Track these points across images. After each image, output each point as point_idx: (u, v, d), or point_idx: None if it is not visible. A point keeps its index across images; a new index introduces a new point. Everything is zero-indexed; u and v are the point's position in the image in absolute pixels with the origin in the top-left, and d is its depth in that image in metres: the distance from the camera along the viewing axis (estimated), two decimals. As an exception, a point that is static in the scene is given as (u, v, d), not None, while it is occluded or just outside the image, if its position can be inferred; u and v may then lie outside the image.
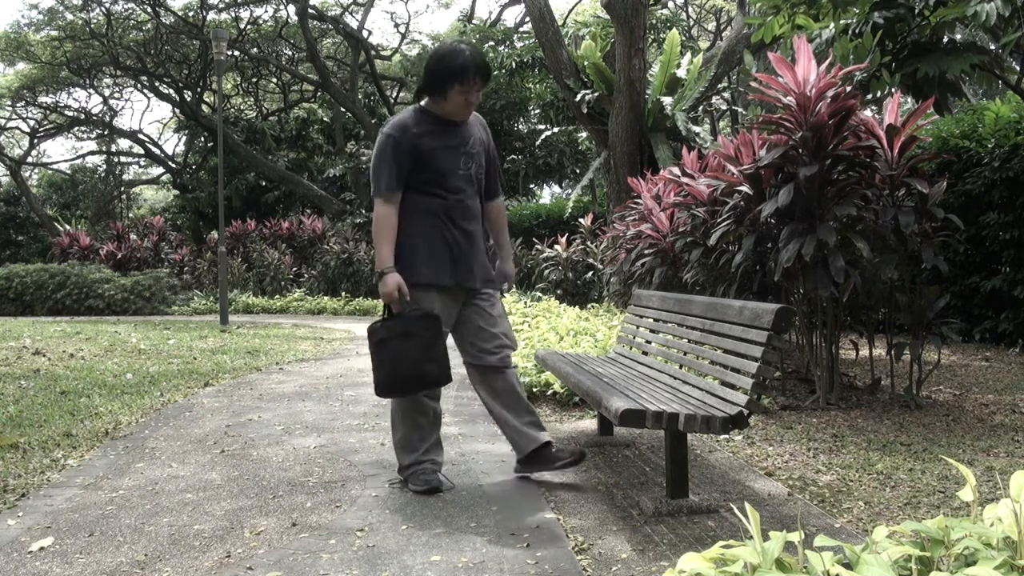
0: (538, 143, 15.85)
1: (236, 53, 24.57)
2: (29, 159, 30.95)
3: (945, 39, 6.83)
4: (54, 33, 23.80)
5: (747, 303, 3.11)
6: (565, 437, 4.27)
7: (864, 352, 6.24)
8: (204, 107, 26.09)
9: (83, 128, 29.37)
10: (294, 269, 18.73)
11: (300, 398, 5.64)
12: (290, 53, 26.68)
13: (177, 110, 26.71)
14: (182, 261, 19.91)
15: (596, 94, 11.62)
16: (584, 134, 15.88)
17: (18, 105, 27.60)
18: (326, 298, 16.10)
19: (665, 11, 18.60)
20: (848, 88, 4.54)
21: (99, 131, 29.55)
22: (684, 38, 16.18)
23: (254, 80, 28.08)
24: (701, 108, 14.77)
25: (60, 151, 50.65)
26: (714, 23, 26.43)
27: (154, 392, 5.91)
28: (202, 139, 26.59)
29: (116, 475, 3.69)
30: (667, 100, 11.46)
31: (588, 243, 12.67)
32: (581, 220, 13.47)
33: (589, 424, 4.56)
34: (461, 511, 3.05)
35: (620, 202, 9.74)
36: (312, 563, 2.56)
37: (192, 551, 2.71)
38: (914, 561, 1.47)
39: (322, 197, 22.23)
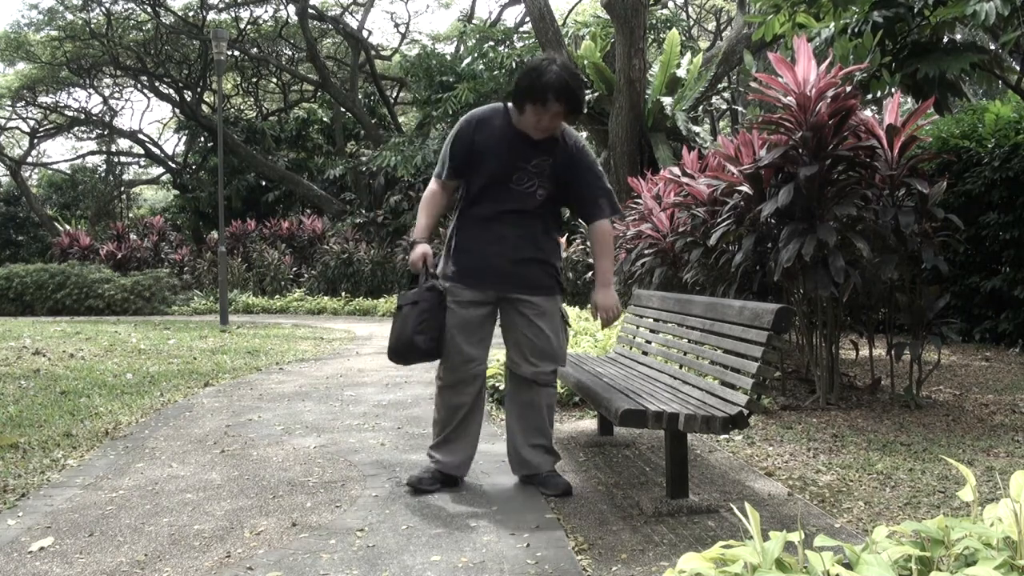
0: (538, 143, 15.82)
1: (236, 53, 24.57)
2: (29, 159, 30.94)
3: (945, 39, 6.84)
4: (54, 33, 23.80)
5: (747, 303, 3.11)
6: (565, 437, 4.27)
7: (864, 352, 6.24)
8: (204, 107, 26.08)
9: (83, 128, 29.37)
10: (294, 269, 18.73)
11: (300, 398, 5.64)
12: (290, 53, 26.68)
13: (177, 110, 26.70)
14: (182, 261, 19.91)
15: (596, 94, 11.62)
16: (584, 134, 15.87)
17: (18, 105, 27.60)
18: (326, 298, 16.10)
19: (665, 11, 18.59)
20: (848, 88, 4.54)
21: (99, 131, 29.55)
22: (684, 38, 16.18)
23: (254, 80, 28.08)
24: (701, 108, 14.78)
25: (60, 151, 50.71)
26: (714, 23, 26.43)
27: (154, 392, 5.91)
28: (202, 139, 26.58)
29: (116, 475, 3.69)
30: (667, 100, 11.47)
31: (588, 243, 12.67)
32: (581, 220, 13.46)
33: (589, 424, 4.56)
34: (461, 511, 3.05)
35: (620, 202, 9.73)
36: (312, 563, 2.56)
37: (192, 551, 2.71)
38: (914, 561, 1.47)
39: (322, 197, 22.23)
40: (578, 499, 3.19)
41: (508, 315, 3.31)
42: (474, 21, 23.43)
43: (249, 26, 24.57)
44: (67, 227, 24.26)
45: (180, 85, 25.03)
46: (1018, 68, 8.16)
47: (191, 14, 23.70)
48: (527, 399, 3.31)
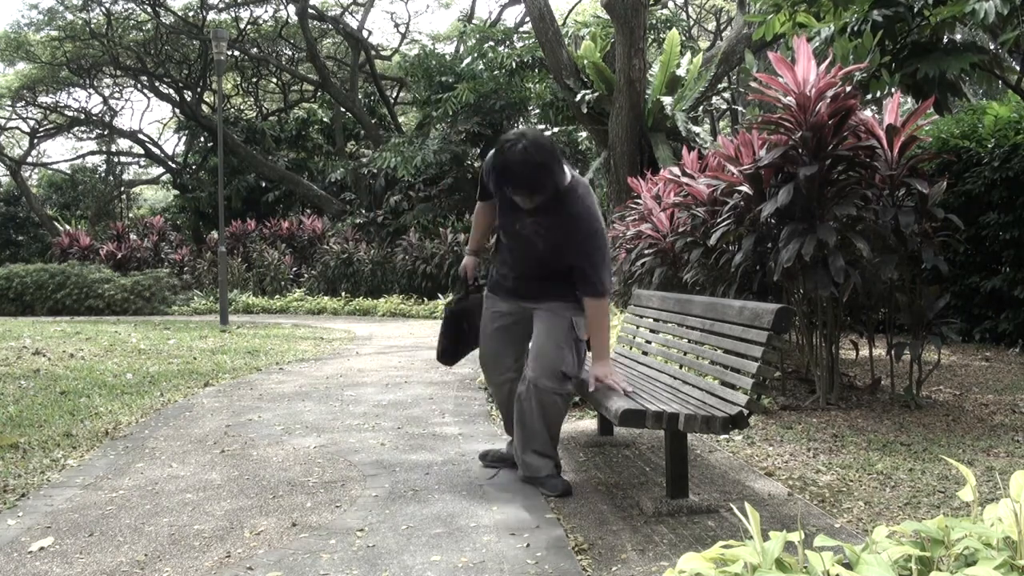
0: (538, 143, 15.81)
1: (236, 53, 24.58)
2: (29, 159, 30.96)
3: (945, 39, 6.84)
4: (54, 33, 23.81)
5: (747, 303, 3.11)
6: (565, 437, 4.27)
7: (864, 352, 6.24)
8: (204, 107, 26.09)
9: (83, 128, 29.38)
10: (294, 269, 18.73)
11: (300, 398, 5.64)
12: (290, 53, 26.70)
13: (177, 110, 26.72)
14: (182, 261, 19.91)
15: (596, 94, 11.62)
16: (584, 134, 15.86)
17: (18, 105, 27.61)
18: (326, 298, 16.10)
19: (665, 11, 18.58)
20: (848, 88, 4.54)
21: (99, 131, 29.56)
22: (684, 38, 16.18)
23: (254, 80, 28.09)
24: (701, 108, 14.78)
25: (60, 151, 50.70)
26: (714, 23, 26.44)
27: (154, 392, 5.91)
28: (202, 139, 26.60)
29: (116, 475, 3.69)
30: (667, 100, 11.47)
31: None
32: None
33: (589, 424, 4.56)
34: (461, 511, 3.05)
35: (620, 202, 9.74)
36: (312, 563, 2.56)
37: (192, 551, 2.71)
38: (914, 561, 1.47)
39: (322, 197, 22.24)
40: (578, 499, 3.19)
41: (533, 325, 3.43)
42: (474, 21, 23.43)
43: (249, 26, 24.58)
44: (67, 227, 24.25)
45: (180, 85, 25.04)
46: (1018, 68, 8.16)
47: (191, 14, 23.71)
48: (526, 405, 3.29)
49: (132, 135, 28.89)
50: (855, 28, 6.65)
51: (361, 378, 6.57)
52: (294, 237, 20.05)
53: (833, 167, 4.56)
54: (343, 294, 16.34)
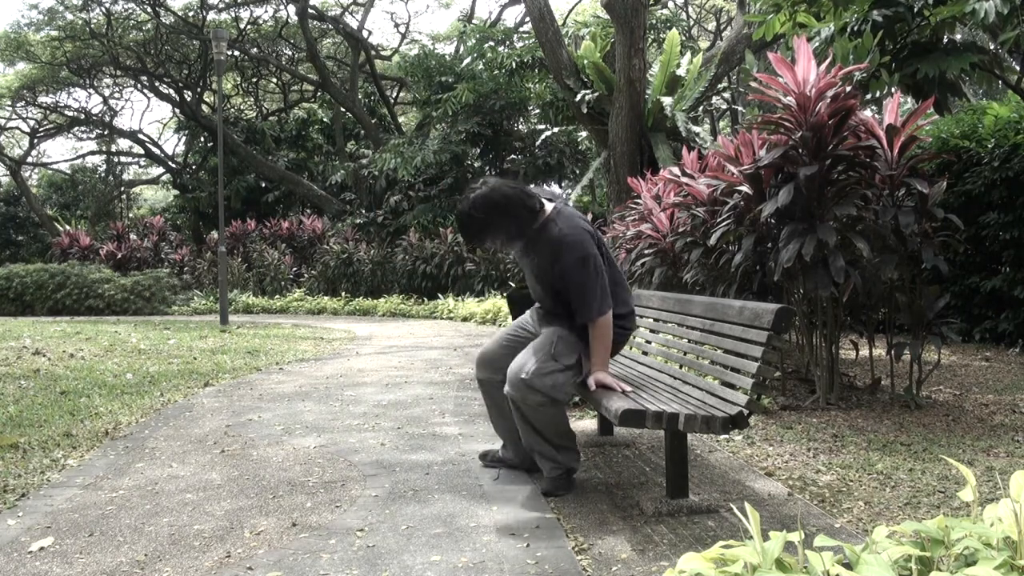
0: (538, 143, 15.85)
1: (236, 53, 24.59)
2: (29, 159, 30.96)
3: (945, 39, 6.84)
4: (54, 33, 23.82)
5: (747, 303, 3.11)
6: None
7: (864, 352, 6.24)
8: (204, 107, 26.10)
9: (83, 128, 29.40)
10: (294, 269, 18.73)
11: (300, 398, 5.64)
12: (290, 53, 26.70)
13: (177, 110, 26.72)
14: (182, 261, 19.92)
15: (596, 94, 11.62)
16: (584, 134, 15.86)
17: (18, 105, 27.62)
18: (326, 298, 16.10)
19: (665, 11, 18.58)
20: (848, 88, 4.54)
21: (99, 131, 29.57)
22: (684, 38, 16.18)
23: (254, 80, 28.10)
24: (701, 108, 14.77)
25: (60, 151, 50.73)
26: (714, 23, 26.44)
27: (154, 392, 5.91)
28: (202, 139, 26.61)
29: (116, 475, 3.69)
30: (667, 100, 11.46)
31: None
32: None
33: (589, 424, 4.56)
34: (461, 511, 3.05)
35: (620, 202, 9.74)
36: (312, 563, 2.56)
37: (192, 551, 2.71)
38: (914, 561, 1.47)
39: (322, 197, 22.24)
40: (578, 499, 3.19)
41: None
42: (474, 21, 23.44)
43: (249, 26, 24.59)
44: (67, 227, 24.26)
45: (180, 85, 25.04)
46: (1018, 68, 8.16)
47: (191, 14, 23.71)
48: (513, 410, 3.32)
49: (132, 135, 28.90)
50: (855, 28, 6.65)
51: (361, 378, 6.57)
52: (294, 237, 20.06)
53: (833, 167, 4.56)
54: (343, 294, 16.35)
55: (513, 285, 13.57)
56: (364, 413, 5.06)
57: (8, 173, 29.40)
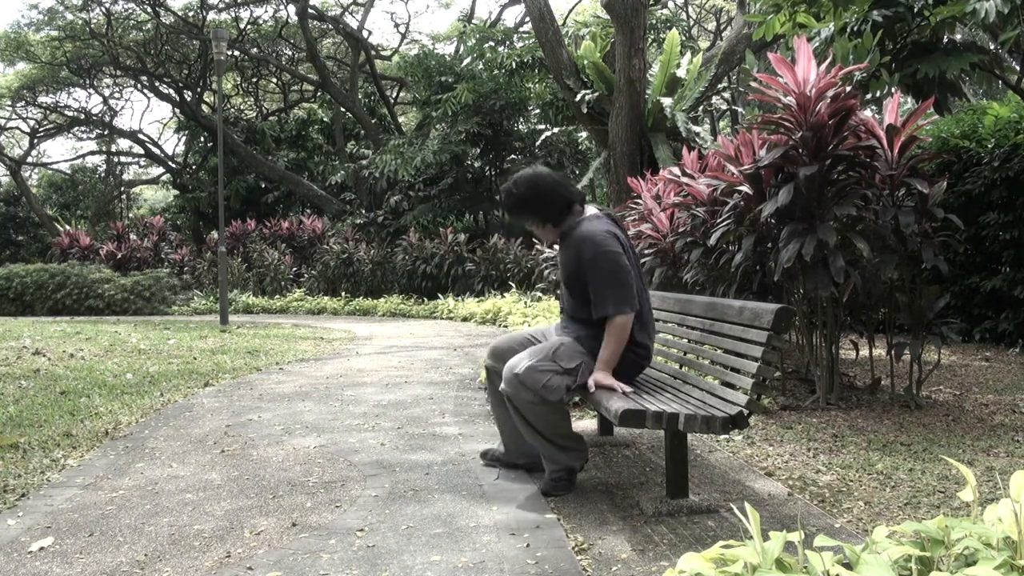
0: (538, 143, 15.85)
1: (236, 53, 24.60)
2: (29, 159, 30.97)
3: (945, 39, 6.84)
4: (54, 33, 23.82)
5: (747, 303, 3.11)
6: (565, 437, 4.27)
7: (864, 352, 6.24)
8: (204, 107, 26.11)
9: (83, 128, 29.40)
10: (294, 269, 18.73)
11: (300, 398, 5.64)
12: (290, 53, 26.71)
13: (177, 110, 26.73)
14: (182, 261, 19.92)
15: (596, 94, 11.62)
16: (584, 134, 15.87)
17: (18, 105, 27.63)
18: (326, 298, 16.10)
19: (665, 11, 18.58)
20: (848, 88, 4.54)
21: (99, 131, 29.58)
22: (684, 38, 16.17)
23: (254, 80, 28.10)
24: (701, 108, 14.77)
25: (60, 151, 50.74)
26: (714, 23, 26.45)
27: (154, 392, 5.91)
28: (202, 139, 26.61)
29: (116, 475, 3.69)
30: (667, 100, 11.47)
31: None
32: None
33: (589, 424, 4.56)
34: (461, 511, 3.05)
35: (620, 202, 9.74)
36: (312, 563, 2.56)
37: (192, 551, 2.71)
38: (914, 561, 1.47)
39: (322, 197, 22.25)
40: (578, 499, 3.19)
41: None
42: (474, 21, 23.43)
43: (249, 26, 24.59)
44: (67, 227, 24.26)
45: (180, 85, 25.05)
46: (1018, 68, 8.16)
47: (191, 14, 23.72)
48: (510, 407, 3.34)
49: (132, 135, 28.90)
50: (855, 28, 6.66)
51: (361, 378, 6.57)
52: (294, 237, 20.05)
53: (833, 167, 4.56)
54: (343, 294, 16.35)
55: (513, 285, 13.58)
56: (364, 413, 5.06)
57: (8, 173, 29.41)
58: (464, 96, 15.14)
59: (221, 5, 23.63)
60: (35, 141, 30.15)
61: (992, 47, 8.91)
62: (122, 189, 33.08)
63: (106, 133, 29.65)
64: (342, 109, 23.97)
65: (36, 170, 33.35)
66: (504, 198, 3.51)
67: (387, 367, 7.19)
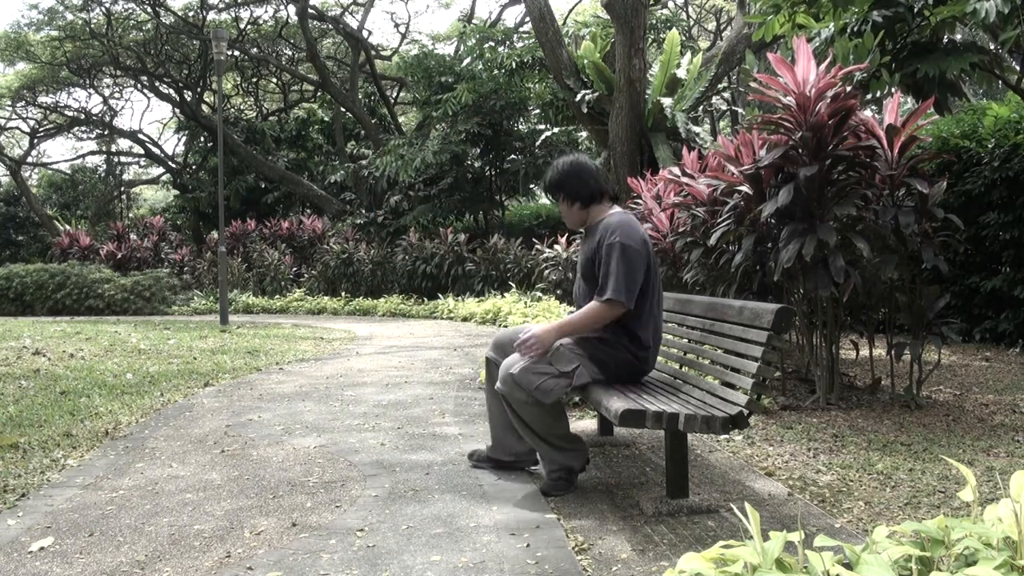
0: (538, 143, 15.84)
1: (236, 53, 24.59)
2: (29, 159, 30.96)
3: (945, 39, 6.84)
4: (54, 33, 23.82)
5: (747, 303, 3.11)
6: (565, 437, 4.27)
7: (864, 352, 6.24)
8: (204, 107, 26.10)
9: (83, 128, 29.40)
10: (294, 269, 18.73)
11: (300, 398, 5.64)
12: (290, 53, 26.70)
13: (177, 110, 26.72)
14: (182, 261, 19.91)
15: (596, 94, 11.62)
16: (584, 134, 15.87)
17: (18, 105, 27.62)
18: (326, 298, 16.10)
19: (665, 11, 18.58)
20: (848, 88, 4.54)
21: (99, 131, 29.57)
22: (684, 38, 16.17)
23: (254, 80, 28.09)
24: (701, 108, 14.77)
25: (60, 151, 50.75)
26: (714, 23, 26.45)
27: (154, 392, 5.91)
28: (202, 139, 26.60)
29: (116, 475, 3.69)
30: (667, 100, 11.47)
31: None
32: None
33: (589, 424, 4.56)
34: (461, 511, 3.05)
35: (620, 203, 9.72)
36: (312, 563, 2.56)
37: (192, 551, 2.71)
38: (914, 561, 1.47)
39: (322, 197, 22.25)
40: (578, 499, 3.19)
41: None
42: (474, 21, 23.43)
43: (249, 26, 24.58)
44: (67, 227, 24.27)
45: (180, 85, 25.04)
46: (1018, 68, 8.16)
47: (191, 14, 23.71)
48: (506, 407, 3.34)
49: (132, 135, 28.89)
50: (855, 28, 6.66)
51: (361, 378, 6.57)
52: (294, 237, 20.05)
53: (833, 167, 4.56)
54: (343, 294, 16.35)
55: (513, 285, 13.58)
56: (364, 413, 5.06)
57: (8, 173, 29.40)
58: (464, 96, 15.13)
59: (221, 5, 23.62)
60: (35, 141, 30.15)
61: (992, 47, 8.91)
62: (122, 189, 33.08)
63: (106, 133, 29.65)
64: (342, 109, 23.97)
65: (36, 170, 33.35)
66: (547, 174, 3.67)
67: (387, 367, 7.19)
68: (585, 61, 11.90)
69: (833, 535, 2.69)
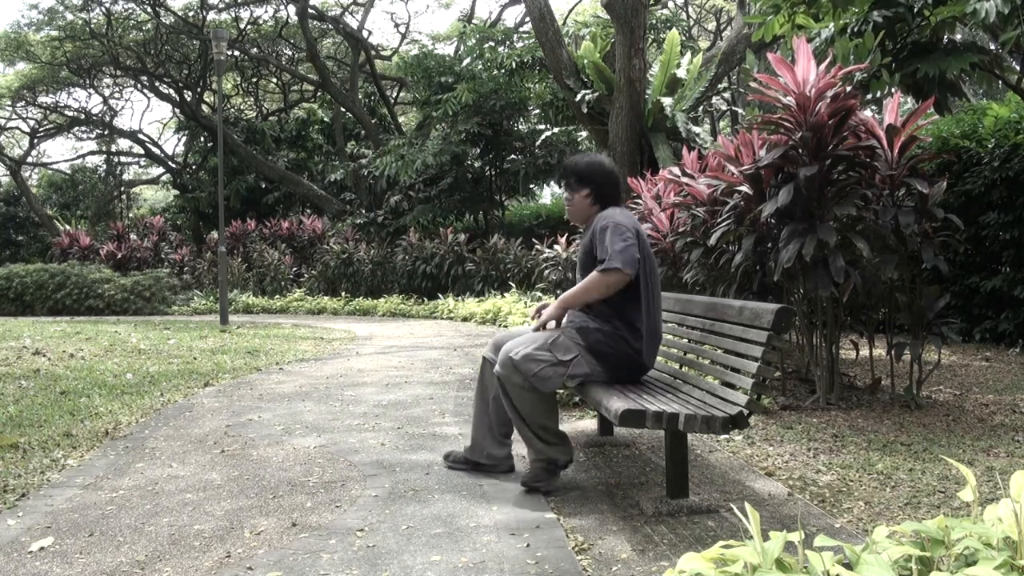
0: (538, 143, 15.85)
1: (236, 53, 24.58)
2: (29, 159, 30.96)
3: (945, 39, 6.84)
4: (54, 33, 23.81)
5: (747, 303, 3.11)
6: (565, 437, 4.27)
7: (864, 352, 6.24)
8: (204, 107, 26.09)
9: (83, 128, 29.39)
10: (294, 269, 18.73)
11: (300, 398, 5.64)
12: (290, 53, 26.69)
13: (177, 110, 26.72)
14: (182, 261, 19.92)
15: (596, 94, 11.62)
16: (584, 134, 15.86)
17: (18, 105, 27.61)
18: (326, 298, 16.10)
19: (665, 11, 18.57)
20: (848, 88, 4.54)
21: (99, 131, 29.56)
22: (684, 38, 16.16)
23: (254, 80, 28.09)
24: (701, 108, 14.77)
25: (60, 151, 50.73)
26: (714, 23, 26.44)
27: (154, 392, 5.91)
28: (202, 139, 26.60)
29: (116, 475, 3.69)
30: (667, 100, 11.47)
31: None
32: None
33: (589, 424, 4.56)
34: (461, 511, 3.05)
35: (620, 203, 9.72)
36: (312, 563, 2.56)
37: (192, 551, 2.71)
38: (914, 561, 1.47)
39: (322, 197, 22.24)
40: (578, 499, 3.19)
41: None
42: (474, 21, 23.42)
43: (249, 26, 24.58)
44: (67, 227, 24.27)
45: (180, 85, 25.04)
46: (1018, 68, 8.15)
47: (191, 14, 23.71)
48: (501, 393, 3.36)
49: (132, 135, 28.88)
50: (855, 29, 6.66)
51: (361, 378, 6.57)
52: (294, 237, 20.05)
53: (833, 167, 4.56)
54: (343, 294, 16.35)
55: (513, 285, 13.58)
56: (364, 413, 5.06)
57: (8, 173, 29.40)
58: (464, 96, 15.13)
59: (221, 5, 23.62)
60: (35, 141, 30.14)
61: (992, 47, 8.91)
62: (122, 189, 33.07)
63: (106, 133, 29.64)
64: (342, 109, 23.96)
65: (36, 170, 33.35)
66: (575, 159, 3.68)
67: (387, 367, 7.19)
68: (585, 61, 11.90)
69: (833, 535, 2.69)
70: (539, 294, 12.17)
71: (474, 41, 16.74)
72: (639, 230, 3.39)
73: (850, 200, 4.44)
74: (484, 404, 3.56)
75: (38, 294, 16.96)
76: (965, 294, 7.38)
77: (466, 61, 16.42)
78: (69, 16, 23.28)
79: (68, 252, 20.71)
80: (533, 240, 14.04)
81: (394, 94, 27.18)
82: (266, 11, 24.53)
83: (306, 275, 18.11)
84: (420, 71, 16.73)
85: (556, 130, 15.16)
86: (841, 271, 4.32)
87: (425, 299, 14.83)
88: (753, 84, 5.01)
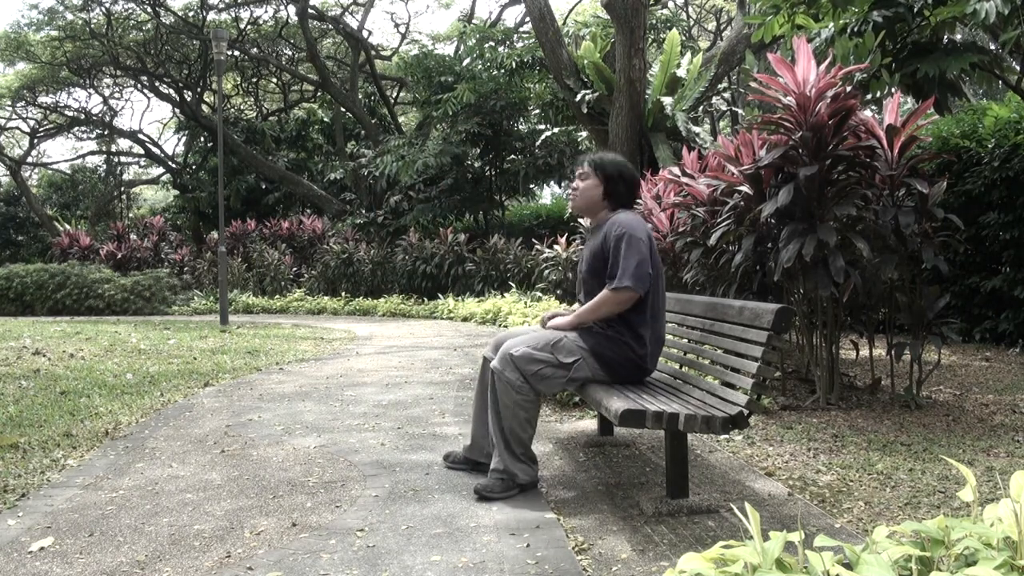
0: (538, 143, 15.84)
1: (236, 53, 24.58)
2: (29, 159, 30.95)
3: (945, 39, 6.84)
4: (54, 33, 23.81)
5: (747, 303, 3.11)
6: (565, 437, 4.27)
7: (864, 352, 6.24)
8: (204, 107, 26.09)
9: (83, 128, 29.38)
10: (294, 269, 18.73)
11: (300, 398, 5.64)
12: (290, 53, 26.69)
13: (177, 110, 26.71)
14: (182, 261, 19.91)
15: (596, 94, 11.62)
16: (584, 134, 15.85)
17: (18, 105, 27.61)
18: (326, 298, 16.10)
19: (665, 11, 18.57)
20: (848, 88, 4.54)
21: (99, 131, 29.56)
22: (684, 38, 16.17)
23: (254, 80, 28.08)
24: (701, 108, 14.77)
25: (60, 151, 50.72)
26: (714, 23, 26.44)
27: (154, 392, 5.91)
28: (202, 139, 26.60)
29: (116, 475, 3.69)
30: (667, 100, 11.47)
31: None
32: (581, 220, 13.46)
33: (589, 424, 4.56)
34: (461, 511, 3.05)
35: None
36: (312, 563, 2.56)
37: (192, 551, 2.71)
38: (914, 561, 1.47)
39: (322, 197, 22.24)
40: (578, 499, 3.19)
41: None
42: (474, 21, 23.41)
43: (249, 26, 24.57)
44: (67, 227, 24.26)
45: (180, 85, 25.04)
46: (1018, 68, 8.15)
47: (191, 14, 23.71)
48: (490, 388, 3.35)
49: (132, 135, 28.88)
50: (855, 29, 6.66)
51: (361, 378, 6.57)
52: (294, 237, 20.05)
53: (833, 167, 4.56)
54: (343, 294, 16.34)
55: (513, 285, 13.58)
56: (364, 413, 5.06)
57: (8, 173, 29.40)
58: (464, 96, 15.13)
59: (221, 5, 23.62)
60: (35, 141, 30.14)
61: (992, 47, 8.91)
62: (122, 189, 33.07)
63: (106, 133, 29.64)
64: (342, 109, 23.96)
65: (36, 170, 33.34)
66: (601, 153, 3.71)
67: (387, 367, 7.19)
68: (585, 61, 11.90)
69: (833, 535, 2.69)
70: (539, 294, 12.16)
71: (474, 41, 16.75)
72: (651, 238, 3.40)
73: (850, 200, 4.44)
74: (484, 404, 3.55)
75: (38, 294, 16.96)
76: (965, 294, 7.38)
77: (466, 61, 16.42)
78: (69, 16, 23.28)
79: (68, 252, 20.71)
80: (533, 240, 14.04)
81: (394, 94, 27.18)
82: (266, 11, 24.55)
83: (306, 275, 18.10)
84: (420, 71, 16.74)
85: (556, 130, 15.16)
86: (841, 271, 4.32)
87: (425, 299, 14.83)
88: (753, 84, 5.01)
